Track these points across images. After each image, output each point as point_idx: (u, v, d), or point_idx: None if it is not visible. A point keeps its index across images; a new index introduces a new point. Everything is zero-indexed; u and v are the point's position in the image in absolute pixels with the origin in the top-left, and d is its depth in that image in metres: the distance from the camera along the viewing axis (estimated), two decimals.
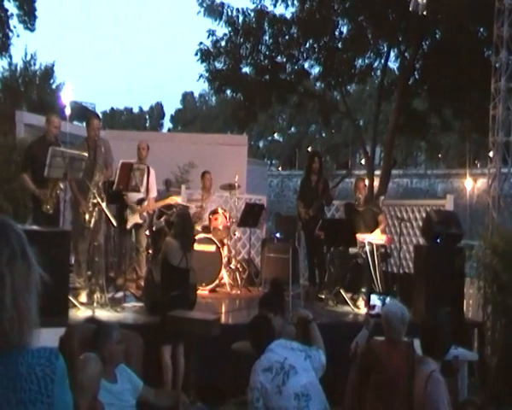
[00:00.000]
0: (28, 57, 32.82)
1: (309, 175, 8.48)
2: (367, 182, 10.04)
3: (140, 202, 7.30)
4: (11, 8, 21.14)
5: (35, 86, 32.51)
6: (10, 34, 21.39)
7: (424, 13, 9.53)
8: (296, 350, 3.75)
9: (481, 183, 33.18)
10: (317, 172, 8.37)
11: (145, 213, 7.53)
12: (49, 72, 33.96)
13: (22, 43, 36.93)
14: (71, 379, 1.44)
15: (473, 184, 38.22)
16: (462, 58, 13.29)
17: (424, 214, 7.92)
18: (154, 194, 7.65)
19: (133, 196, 7.24)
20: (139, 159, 7.54)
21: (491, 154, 8.36)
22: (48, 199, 6.23)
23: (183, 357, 5.39)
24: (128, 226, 7.32)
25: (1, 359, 1.33)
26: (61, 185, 6.32)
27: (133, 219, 7.34)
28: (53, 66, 34.18)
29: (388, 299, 6.36)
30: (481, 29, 14.13)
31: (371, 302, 6.58)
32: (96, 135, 6.77)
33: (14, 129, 10.70)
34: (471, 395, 5.52)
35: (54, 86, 33.57)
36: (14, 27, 21.32)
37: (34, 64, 33.28)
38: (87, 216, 6.32)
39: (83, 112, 25.33)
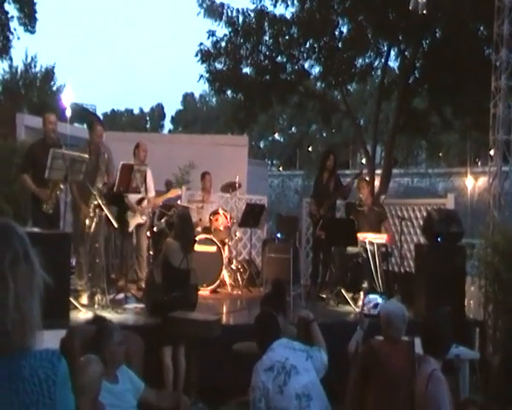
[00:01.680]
0: (29, 59, 32.92)
1: (322, 172, 8.50)
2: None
3: (140, 201, 7.32)
4: (11, 10, 21.13)
5: (36, 88, 32.51)
6: (11, 37, 21.35)
7: (424, 12, 9.52)
8: (298, 350, 3.76)
9: (482, 181, 33.18)
10: (329, 170, 8.39)
11: (145, 214, 7.54)
12: (49, 74, 33.97)
13: (23, 45, 37.04)
14: (72, 381, 1.44)
15: (473, 183, 38.20)
16: (463, 57, 13.27)
17: (425, 213, 7.92)
18: (152, 193, 7.66)
19: (133, 198, 7.25)
20: (139, 160, 7.55)
21: (491, 152, 8.36)
22: (48, 199, 6.23)
23: (183, 358, 5.38)
24: (130, 229, 7.35)
25: (4, 361, 1.34)
26: (62, 186, 6.30)
27: (135, 221, 7.38)
28: (53, 68, 34.24)
29: (389, 298, 6.37)
30: (481, 27, 14.10)
31: (374, 301, 6.56)
32: (99, 141, 6.79)
33: (14, 131, 10.70)
34: (472, 393, 5.53)
35: (54, 88, 33.59)
36: (15, 30, 21.30)
37: (35, 66, 33.35)
38: (87, 221, 6.32)
39: (83, 114, 25.38)
